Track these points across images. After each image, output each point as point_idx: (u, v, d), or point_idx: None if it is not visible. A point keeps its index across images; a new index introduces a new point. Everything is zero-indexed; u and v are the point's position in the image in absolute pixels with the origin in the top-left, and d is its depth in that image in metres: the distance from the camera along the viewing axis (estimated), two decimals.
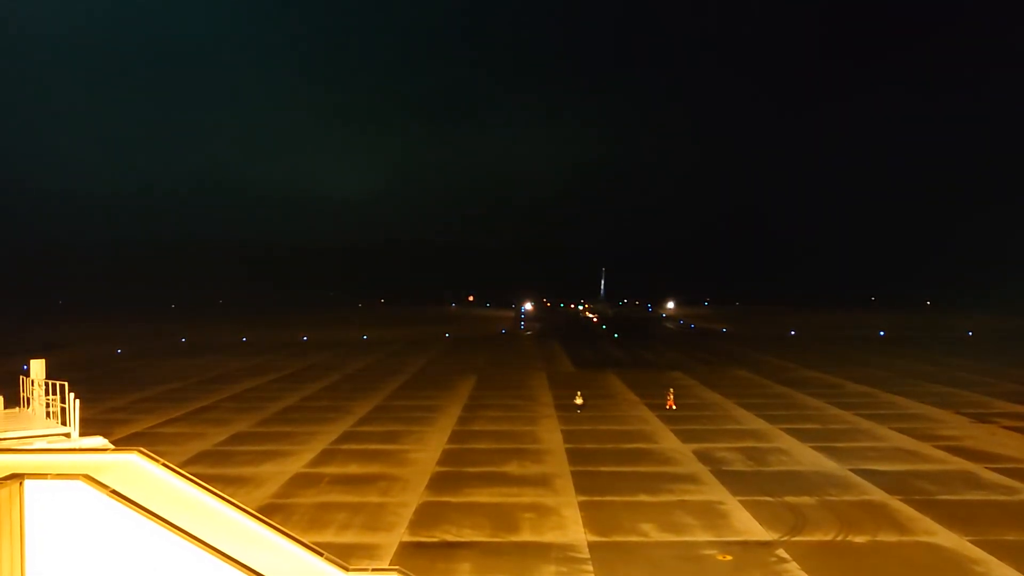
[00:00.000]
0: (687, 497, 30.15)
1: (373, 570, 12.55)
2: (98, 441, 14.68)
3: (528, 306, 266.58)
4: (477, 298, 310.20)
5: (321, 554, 12.18)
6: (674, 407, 50.37)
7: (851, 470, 33.96)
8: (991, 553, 23.26)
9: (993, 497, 29.74)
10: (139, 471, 12.22)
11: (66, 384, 16.73)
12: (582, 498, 30.03)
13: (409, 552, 24.11)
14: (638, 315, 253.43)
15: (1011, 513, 27.65)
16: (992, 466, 34.60)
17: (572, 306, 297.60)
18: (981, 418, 47.18)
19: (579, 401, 51.19)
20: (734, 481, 32.31)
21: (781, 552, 23.74)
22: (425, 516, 27.90)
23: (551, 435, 42.97)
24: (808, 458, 36.71)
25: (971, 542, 24.34)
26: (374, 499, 30.17)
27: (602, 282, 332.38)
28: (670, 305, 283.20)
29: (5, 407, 17.50)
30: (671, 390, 53.42)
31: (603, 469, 34.81)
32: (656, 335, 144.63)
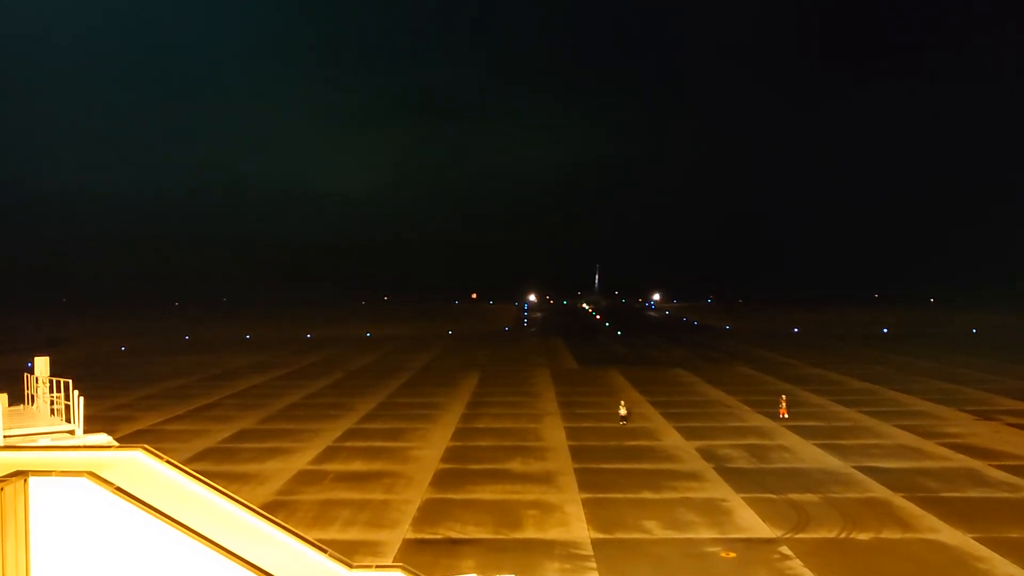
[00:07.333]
0: (690, 494, 30.14)
1: (377, 567, 12.56)
2: (102, 438, 14.71)
3: (531, 299, 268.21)
4: (480, 295, 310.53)
5: (325, 551, 12.19)
6: (786, 415, 46.17)
7: (854, 467, 33.93)
8: (995, 550, 23.22)
9: (997, 494, 29.68)
10: (143, 468, 12.25)
11: (70, 381, 16.79)
12: (585, 495, 30.04)
13: (413, 549, 24.15)
14: (635, 309, 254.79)
15: (1015, 510, 27.58)
16: (996, 463, 34.54)
17: (575, 303, 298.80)
18: (985, 415, 47.08)
19: (623, 412, 45.77)
20: (737, 478, 32.30)
21: (784, 549, 23.74)
22: (429, 513, 27.94)
23: (554, 432, 42.98)
24: (811, 455, 36.67)
25: (975, 539, 24.31)
26: (378, 496, 30.22)
27: (596, 276, 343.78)
28: (655, 296, 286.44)
29: (10, 404, 17.56)
30: (784, 397, 49.10)
31: (606, 466, 34.81)
32: (659, 331, 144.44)
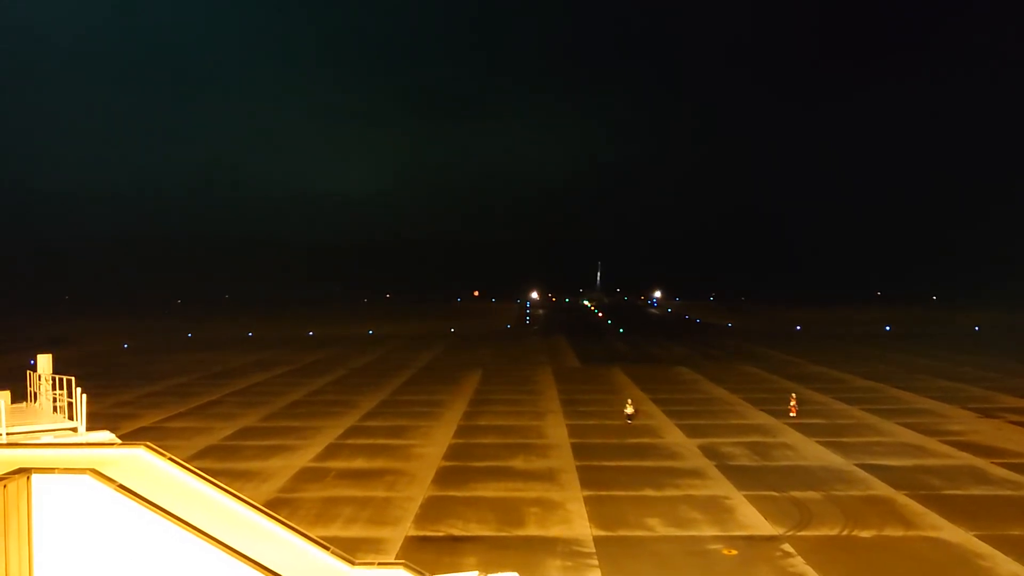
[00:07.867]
0: (692, 492, 30.13)
1: (379, 564, 12.55)
2: (105, 435, 14.75)
3: (534, 297, 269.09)
4: (482, 293, 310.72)
5: (328, 548, 12.21)
6: (794, 414, 45.75)
7: (857, 465, 33.90)
8: (997, 548, 23.20)
9: (1000, 492, 29.64)
10: (146, 465, 12.27)
11: (73, 379, 16.81)
12: (587, 492, 30.04)
13: (415, 546, 24.16)
14: (637, 306, 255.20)
15: (1018, 508, 27.54)
16: (999, 461, 34.50)
17: (577, 300, 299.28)
18: (988, 413, 47.03)
19: (630, 411, 45.57)
20: (739, 476, 32.28)
21: (787, 547, 23.73)
22: (431, 510, 27.95)
23: (557, 430, 42.98)
24: (814, 453, 36.64)
25: (977, 537, 24.28)
26: (380, 493, 30.24)
27: (598, 274, 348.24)
28: (657, 294, 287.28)
29: (13, 402, 17.59)
30: (793, 395, 49.14)
31: (608, 464, 34.81)
32: (661, 330, 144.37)
